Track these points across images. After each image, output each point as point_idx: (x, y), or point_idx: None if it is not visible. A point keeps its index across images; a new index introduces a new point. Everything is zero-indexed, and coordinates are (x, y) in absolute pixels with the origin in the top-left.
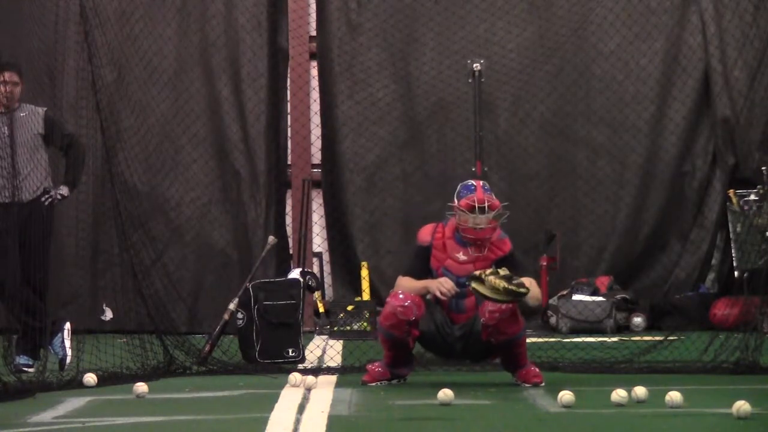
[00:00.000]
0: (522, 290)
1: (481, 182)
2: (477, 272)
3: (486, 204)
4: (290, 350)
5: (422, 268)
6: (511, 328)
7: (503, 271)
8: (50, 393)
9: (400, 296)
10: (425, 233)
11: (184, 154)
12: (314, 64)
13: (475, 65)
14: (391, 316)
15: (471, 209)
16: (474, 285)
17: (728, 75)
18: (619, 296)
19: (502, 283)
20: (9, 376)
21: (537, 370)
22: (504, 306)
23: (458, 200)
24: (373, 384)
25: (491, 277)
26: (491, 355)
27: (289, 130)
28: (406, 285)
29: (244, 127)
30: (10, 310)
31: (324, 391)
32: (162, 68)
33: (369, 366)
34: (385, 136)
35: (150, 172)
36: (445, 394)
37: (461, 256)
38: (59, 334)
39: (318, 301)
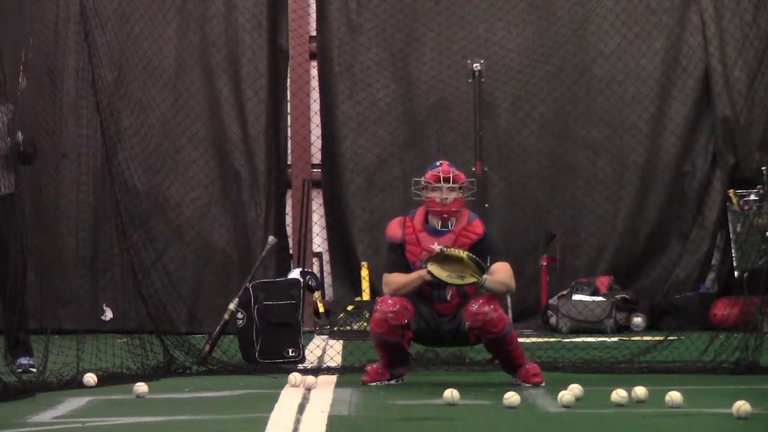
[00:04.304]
0: (473, 277)
1: (446, 161)
2: (437, 249)
3: (450, 175)
4: (290, 350)
5: (403, 263)
6: (496, 327)
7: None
8: (50, 393)
9: (389, 301)
10: (394, 229)
11: (184, 154)
12: (314, 64)
13: (475, 65)
14: (382, 322)
15: (437, 180)
16: (431, 267)
17: (728, 75)
18: (619, 296)
19: (464, 253)
20: (9, 376)
21: (537, 368)
22: (486, 307)
23: (424, 177)
24: (373, 384)
25: (452, 250)
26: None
27: (289, 130)
28: (399, 280)
29: (244, 127)
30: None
31: (324, 391)
32: (162, 68)
33: (368, 366)
34: (385, 136)
35: (150, 172)
36: (452, 394)
37: (436, 247)
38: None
39: (318, 301)
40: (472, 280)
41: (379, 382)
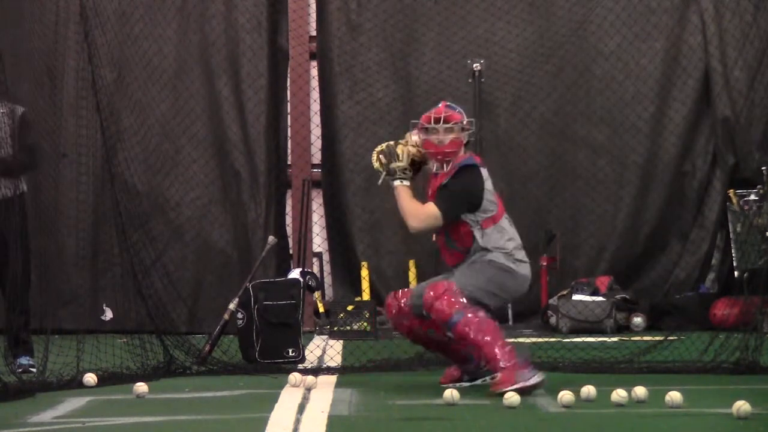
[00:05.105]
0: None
1: (448, 102)
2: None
3: (443, 115)
4: (290, 350)
5: None
6: (440, 314)
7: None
8: (50, 393)
9: (392, 308)
10: None
11: (184, 154)
12: (314, 64)
13: (475, 65)
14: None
15: (429, 121)
16: (377, 149)
17: (728, 75)
18: (619, 296)
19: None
20: (9, 376)
21: (510, 380)
22: (430, 293)
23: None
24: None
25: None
26: None
27: (289, 130)
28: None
29: (244, 127)
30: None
31: (324, 391)
32: (162, 68)
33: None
34: (385, 136)
35: (150, 172)
36: (452, 394)
37: (429, 191)
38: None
39: (318, 301)
40: (380, 170)
41: (452, 384)
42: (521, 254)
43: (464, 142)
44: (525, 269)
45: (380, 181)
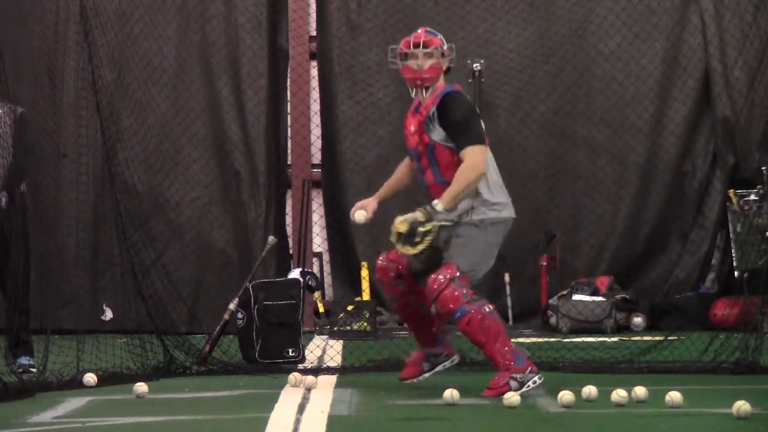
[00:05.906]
0: (417, 246)
1: (428, 28)
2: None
3: (422, 40)
4: (290, 350)
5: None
6: (444, 307)
7: (416, 219)
8: (50, 393)
9: (391, 273)
10: None
11: (184, 154)
12: (314, 64)
13: (475, 65)
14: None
15: (408, 46)
16: (398, 248)
17: (728, 75)
18: (619, 296)
19: (403, 227)
20: (9, 376)
21: (503, 386)
22: (436, 284)
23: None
24: (409, 381)
25: (395, 227)
26: None
27: (289, 130)
28: None
29: (244, 127)
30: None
31: (324, 391)
32: (162, 68)
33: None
34: (385, 136)
35: (150, 172)
36: (452, 394)
37: (411, 128)
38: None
39: (318, 301)
40: (425, 238)
41: (414, 379)
42: (501, 195)
43: (444, 69)
44: (508, 211)
45: (435, 236)
